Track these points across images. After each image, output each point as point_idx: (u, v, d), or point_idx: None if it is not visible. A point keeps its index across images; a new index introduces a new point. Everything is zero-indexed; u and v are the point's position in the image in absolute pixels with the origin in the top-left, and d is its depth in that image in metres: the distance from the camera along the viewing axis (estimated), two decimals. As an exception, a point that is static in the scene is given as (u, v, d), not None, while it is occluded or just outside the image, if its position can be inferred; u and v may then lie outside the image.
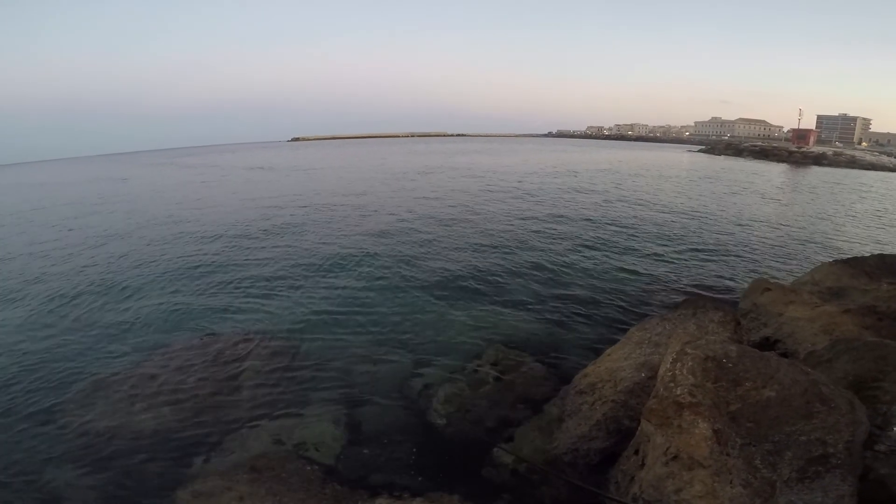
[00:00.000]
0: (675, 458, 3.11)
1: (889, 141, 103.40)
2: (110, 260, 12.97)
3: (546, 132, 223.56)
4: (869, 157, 52.82)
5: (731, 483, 2.78)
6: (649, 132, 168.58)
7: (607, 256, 12.26)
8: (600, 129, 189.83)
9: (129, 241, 15.32)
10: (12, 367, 7.00)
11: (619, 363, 5.11)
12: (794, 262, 12.18)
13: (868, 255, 8.05)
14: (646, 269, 11.17)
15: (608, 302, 9.14)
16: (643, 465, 3.46)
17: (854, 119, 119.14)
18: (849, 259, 7.62)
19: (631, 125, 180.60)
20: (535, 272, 10.93)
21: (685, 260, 12.08)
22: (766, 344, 5.34)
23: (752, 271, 11.06)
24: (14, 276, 11.88)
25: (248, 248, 13.65)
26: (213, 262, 12.34)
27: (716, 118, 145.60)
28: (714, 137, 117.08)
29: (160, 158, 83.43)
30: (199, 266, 12.01)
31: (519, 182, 29.20)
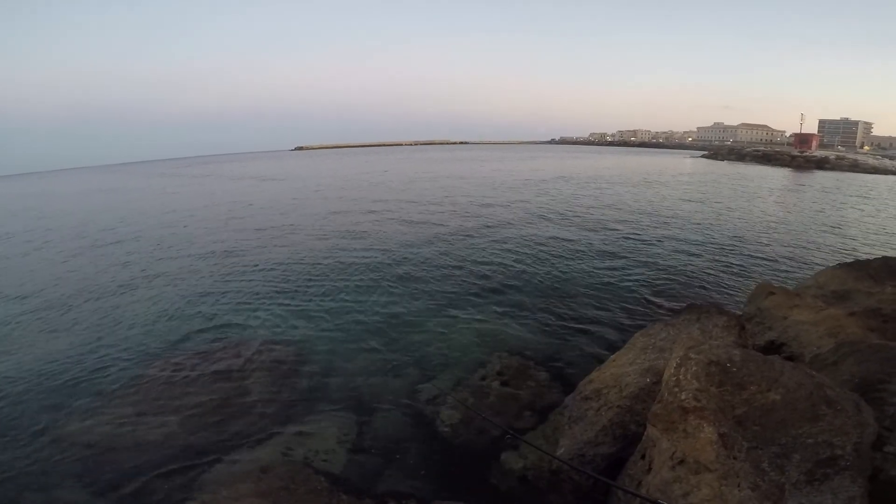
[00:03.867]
0: (681, 462, 3.11)
1: (891, 144, 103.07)
2: (111, 270, 13.04)
3: (549, 139, 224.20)
4: (871, 161, 52.66)
5: (738, 486, 2.78)
6: (652, 138, 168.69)
7: (610, 263, 12.26)
8: (603, 135, 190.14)
9: (127, 249, 15.41)
10: (16, 379, 7.02)
11: (624, 369, 5.12)
12: (798, 266, 12.15)
13: (872, 258, 8.02)
14: (649, 275, 11.16)
15: (612, 308, 9.13)
16: (650, 469, 3.46)
17: (856, 123, 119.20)
18: (853, 262, 7.58)
19: (634, 131, 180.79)
20: (538, 281, 10.95)
21: (689, 265, 12.06)
22: (772, 347, 5.31)
23: (756, 275, 11.04)
24: (12, 286, 11.96)
25: (252, 256, 13.70)
26: (217, 270, 12.41)
27: (718, 123, 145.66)
28: (717, 143, 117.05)
29: (167, 168, 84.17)
30: (202, 274, 12.09)
31: (517, 190, 29.28)
